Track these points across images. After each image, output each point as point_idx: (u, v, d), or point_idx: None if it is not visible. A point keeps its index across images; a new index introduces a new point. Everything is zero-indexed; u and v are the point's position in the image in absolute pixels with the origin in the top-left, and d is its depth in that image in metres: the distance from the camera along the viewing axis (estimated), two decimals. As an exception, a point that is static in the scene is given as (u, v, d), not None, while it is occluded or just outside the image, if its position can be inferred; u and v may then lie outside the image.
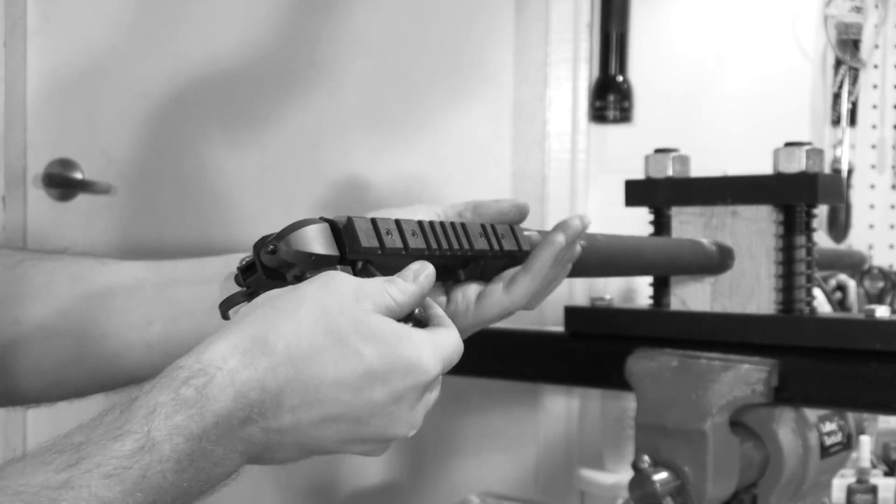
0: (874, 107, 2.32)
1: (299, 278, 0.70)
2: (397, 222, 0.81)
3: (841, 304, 1.86)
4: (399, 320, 0.70)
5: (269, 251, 0.71)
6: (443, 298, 0.89)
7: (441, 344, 0.70)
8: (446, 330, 0.73)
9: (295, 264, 0.71)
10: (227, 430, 0.62)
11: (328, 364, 0.65)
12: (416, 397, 0.68)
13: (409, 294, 0.71)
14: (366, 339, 0.66)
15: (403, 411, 0.68)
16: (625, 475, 1.86)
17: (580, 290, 2.23)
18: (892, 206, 2.32)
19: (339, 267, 0.71)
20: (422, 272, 0.73)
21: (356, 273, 0.72)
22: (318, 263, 0.71)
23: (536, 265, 0.86)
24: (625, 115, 2.31)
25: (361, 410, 0.66)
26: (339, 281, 0.68)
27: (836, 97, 2.30)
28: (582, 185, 2.32)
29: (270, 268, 0.72)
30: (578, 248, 0.90)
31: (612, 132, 2.34)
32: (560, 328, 1.41)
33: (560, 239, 0.86)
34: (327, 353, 0.65)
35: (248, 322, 0.66)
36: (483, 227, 0.89)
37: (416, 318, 0.71)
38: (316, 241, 0.71)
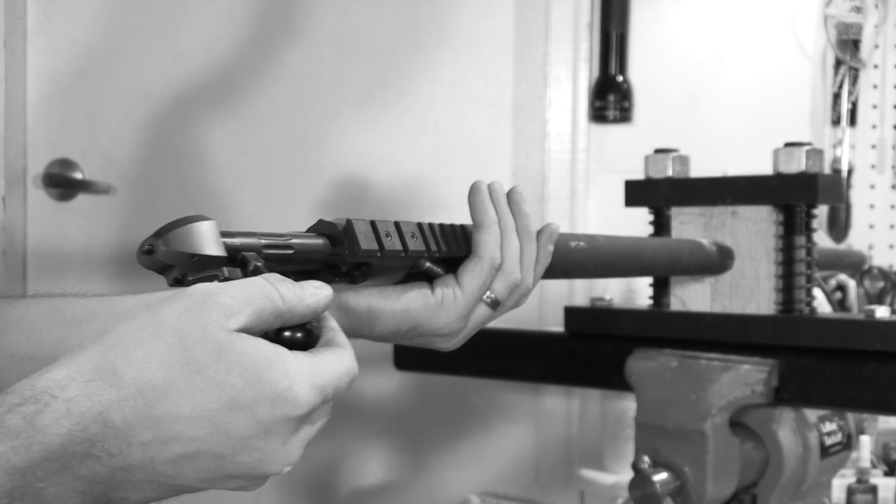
0: (874, 107, 2.32)
1: (180, 281, 0.63)
2: (397, 224, 0.81)
3: (841, 304, 1.86)
4: (286, 329, 0.63)
5: (145, 251, 0.63)
6: (431, 297, 0.88)
7: (323, 370, 0.62)
8: (336, 352, 0.64)
9: (174, 266, 0.63)
10: (59, 466, 0.55)
11: (183, 398, 0.57)
12: (289, 431, 0.60)
13: (302, 300, 0.63)
14: (229, 368, 0.58)
15: (274, 446, 0.60)
16: (625, 475, 1.86)
17: (580, 291, 2.23)
18: (892, 206, 2.32)
19: (225, 269, 0.64)
20: (322, 289, 0.65)
21: (247, 274, 0.65)
22: (202, 265, 0.63)
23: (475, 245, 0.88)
24: (625, 115, 2.31)
25: (224, 446, 0.59)
26: (204, 300, 0.59)
27: (836, 97, 2.30)
28: (582, 185, 2.32)
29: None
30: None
31: (612, 132, 2.34)
32: (560, 328, 1.41)
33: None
34: (183, 385, 0.57)
35: (95, 349, 0.58)
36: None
37: (308, 329, 0.64)
38: (199, 240, 0.63)
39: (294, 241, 0.71)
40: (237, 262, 0.65)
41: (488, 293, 0.90)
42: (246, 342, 0.59)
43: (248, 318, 0.60)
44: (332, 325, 0.67)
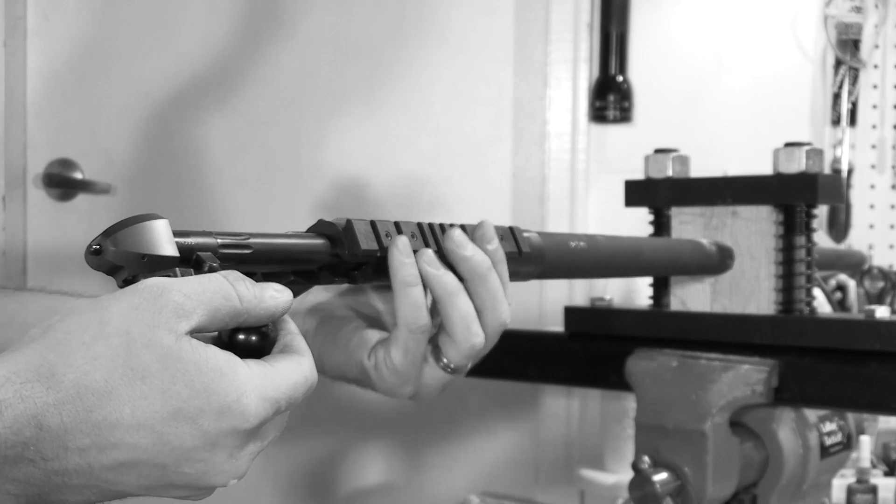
0: (874, 107, 2.32)
1: (130, 283, 0.60)
2: (396, 224, 0.80)
3: (841, 304, 1.86)
4: (241, 331, 0.61)
5: (93, 251, 0.60)
6: (366, 359, 0.83)
7: (276, 380, 0.59)
8: (293, 359, 0.62)
9: (124, 267, 0.61)
10: None
11: (125, 404, 0.55)
12: (237, 444, 0.58)
13: (261, 302, 0.61)
14: (175, 377, 0.56)
15: (220, 459, 0.58)
16: (625, 475, 1.86)
17: (580, 291, 2.23)
18: (892, 206, 2.32)
19: (178, 270, 0.61)
20: (282, 293, 0.63)
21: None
22: (153, 266, 0.61)
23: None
24: (625, 115, 2.31)
25: (167, 457, 0.56)
26: (156, 298, 0.57)
27: (836, 97, 2.30)
28: (582, 185, 2.32)
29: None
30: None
31: (612, 132, 2.34)
32: (560, 328, 1.41)
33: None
34: (125, 391, 0.55)
35: (36, 347, 0.56)
36: (483, 228, 0.89)
37: (263, 332, 0.62)
38: (150, 239, 0.61)
39: (253, 240, 0.68)
40: (191, 262, 0.62)
41: (444, 360, 0.83)
42: (195, 350, 0.57)
43: (201, 318, 0.58)
44: (291, 329, 0.64)
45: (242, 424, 0.57)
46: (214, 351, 0.57)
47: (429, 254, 0.79)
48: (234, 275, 0.61)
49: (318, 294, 0.90)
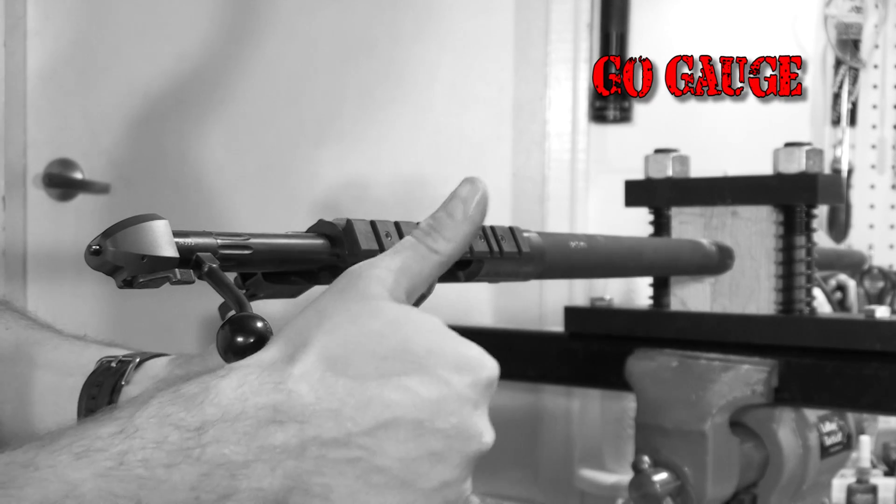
0: (874, 107, 2.32)
1: (129, 283, 0.61)
2: (396, 224, 0.80)
3: (841, 304, 1.86)
4: (240, 334, 0.61)
5: (93, 251, 0.60)
6: None
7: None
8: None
9: (123, 267, 0.61)
10: (241, 430, 0.54)
11: (368, 364, 0.57)
12: (479, 396, 0.59)
13: (457, 239, 0.65)
14: (408, 337, 0.58)
15: (468, 411, 0.59)
16: (625, 475, 1.87)
17: (580, 291, 2.23)
18: (892, 206, 2.32)
19: (178, 271, 0.61)
20: (472, 198, 0.65)
21: (201, 276, 0.63)
22: (153, 266, 0.61)
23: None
24: (625, 115, 2.31)
25: (420, 410, 0.57)
26: (372, 288, 0.61)
27: (836, 97, 2.30)
28: (582, 185, 2.32)
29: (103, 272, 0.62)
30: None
31: (612, 132, 2.34)
32: (560, 328, 1.41)
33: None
34: (367, 357, 0.57)
35: (290, 328, 0.59)
36: (483, 228, 0.89)
37: (261, 334, 0.61)
38: (150, 240, 0.61)
39: (253, 241, 0.67)
40: (191, 263, 0.62)
41: None
42: (418, 315, 0.60)
43: (411, 290, 0.63)
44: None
45: (482, 372, 0.59)
46: (430, 316, 0.61)
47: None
48: (423, 238, 0.65)
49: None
